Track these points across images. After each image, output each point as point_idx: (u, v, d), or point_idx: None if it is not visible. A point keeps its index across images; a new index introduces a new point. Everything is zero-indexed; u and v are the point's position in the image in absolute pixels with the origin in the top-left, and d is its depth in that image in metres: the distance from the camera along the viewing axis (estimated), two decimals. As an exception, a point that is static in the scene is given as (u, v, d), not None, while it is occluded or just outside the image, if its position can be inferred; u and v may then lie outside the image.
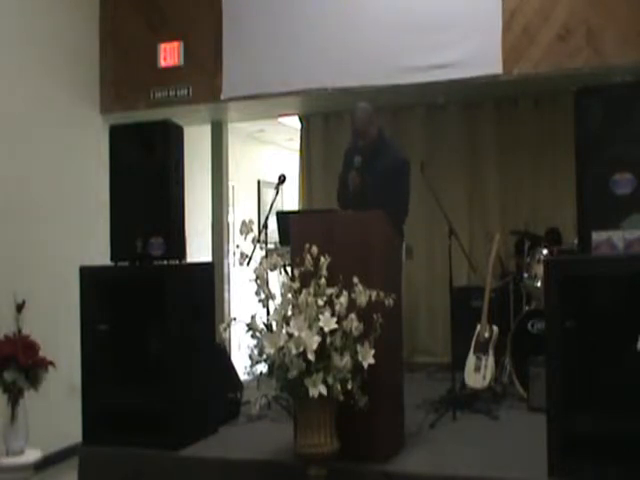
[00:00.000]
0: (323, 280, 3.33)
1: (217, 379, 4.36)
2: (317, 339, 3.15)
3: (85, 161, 5.61)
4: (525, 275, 5.21)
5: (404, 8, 5.15)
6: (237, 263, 3.73)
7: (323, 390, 3.14)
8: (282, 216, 4.89)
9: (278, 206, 6.01)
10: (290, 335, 3.19)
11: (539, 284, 4.92)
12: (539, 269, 4.91)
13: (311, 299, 3.26)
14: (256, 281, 3.42)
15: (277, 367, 3.25)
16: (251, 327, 3.36)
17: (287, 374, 3.20)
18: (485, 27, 4.96)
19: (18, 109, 5.04)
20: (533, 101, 6.21)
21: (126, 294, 4.10)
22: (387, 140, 4.70)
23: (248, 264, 3.74)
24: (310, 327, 3.18)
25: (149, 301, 4.01)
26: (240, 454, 3.87)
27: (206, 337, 4.28)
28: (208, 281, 4.39)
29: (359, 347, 3.24)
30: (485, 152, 6.37)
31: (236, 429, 4.40)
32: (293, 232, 3.71)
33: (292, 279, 3.40)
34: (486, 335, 4.84)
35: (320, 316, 3.20)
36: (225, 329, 3.47)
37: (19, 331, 4.23)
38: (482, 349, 4.79)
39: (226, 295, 6.40)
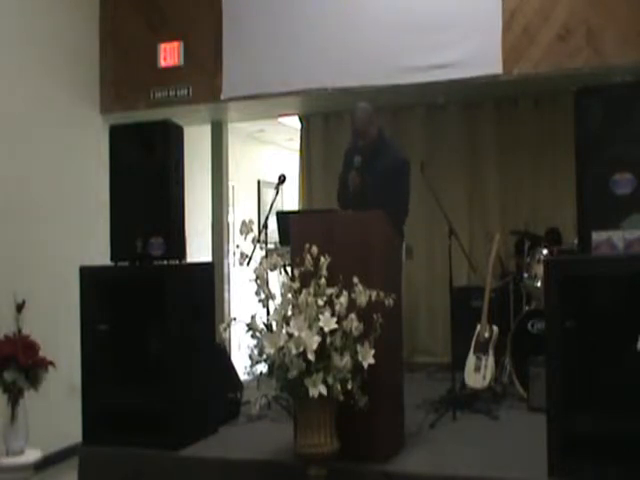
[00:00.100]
0: (323, 280, 3.33)
1: (217, 379, 4.36)
2: (317, 339, 3.15)
3: (85, 161, 5.61)
4: (525, 275, 5.21)
5: (404, 8, 5.15)
6: (237, 263, 3.73)
7: (323, 390, 3.14)
8: (282, 216, 4.88)
9: (278, 206, 6.01)
10: (290, 335, 3.19)
11: (539, 284, 4.92)
12: (539, 269, 4.91)
13: (311, 299, 3.25)
14: (256, 281, 3.42)
15: (277, 367, 3.25)
16: (251, 327, 3.36)
17: (287, 374, 3.20)
18: (485, 27, 4.96)
19: (18, 109, 5.04)
20: (533, 101, 6.20)
21: (126, 294, 4.10)
22: (387, 140, 4.70)
23: (248, 264, 3.74)
24: (310, 327, 3.18)
25: (149, 301, 4.01)
26: (240, 454, 3.87)
27: (206, 337, 4.28)
28: (208, 281, 4.39)
29: (359, 347, 3.24)
30: (485, 152, 6.37)
31: (236, 429, 4.40)
32: (293, 232, 3.71)
33: (292, 279, 3.40)
34: (486, 335, 4.84)
35: (320, 316, 3.20)
36: (225, 329, 3.46)
37: (19, 331, 4.23)
38: (482, 349, 4.79)
39: (226, 295, 6.40)
